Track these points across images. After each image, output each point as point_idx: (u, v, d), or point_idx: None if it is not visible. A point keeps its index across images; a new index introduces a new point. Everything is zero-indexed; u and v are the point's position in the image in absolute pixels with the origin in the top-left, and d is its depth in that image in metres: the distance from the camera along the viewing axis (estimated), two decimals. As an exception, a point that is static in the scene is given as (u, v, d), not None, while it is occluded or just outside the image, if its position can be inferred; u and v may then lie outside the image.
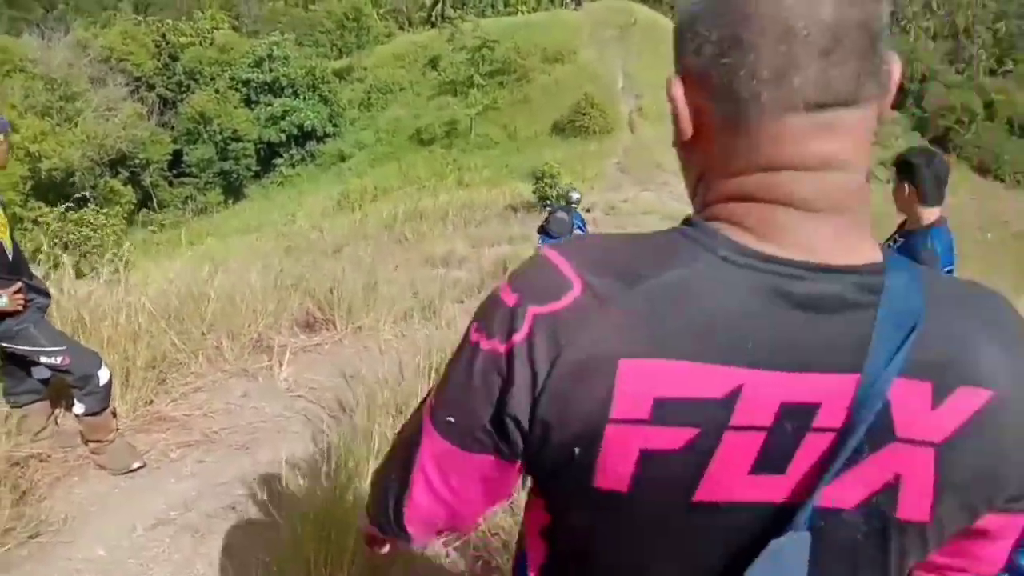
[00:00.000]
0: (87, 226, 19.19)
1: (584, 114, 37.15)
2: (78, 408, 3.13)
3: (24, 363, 3.23)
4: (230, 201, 41.84)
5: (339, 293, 5.51)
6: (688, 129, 0.68)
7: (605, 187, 23.44)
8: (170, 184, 42.61)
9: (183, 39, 48.64)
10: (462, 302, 8.02)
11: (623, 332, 0.62)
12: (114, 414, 3.33)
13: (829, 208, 0.64)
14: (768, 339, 0.61)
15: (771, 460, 0.63)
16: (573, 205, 9.52)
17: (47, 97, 34.81)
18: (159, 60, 47.21)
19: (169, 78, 46.88)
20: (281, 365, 4.45)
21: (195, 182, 42.45)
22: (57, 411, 3.50)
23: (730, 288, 0.62)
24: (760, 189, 0.65)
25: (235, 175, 42.66)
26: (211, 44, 48.49)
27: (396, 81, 48.74)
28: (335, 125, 44.76)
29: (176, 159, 42.57)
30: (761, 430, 0.62)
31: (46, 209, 24.24)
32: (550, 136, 38.26)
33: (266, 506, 2.81)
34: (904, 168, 3.16)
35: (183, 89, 45.93)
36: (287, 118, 42.53)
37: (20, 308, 2.96)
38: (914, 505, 0.63)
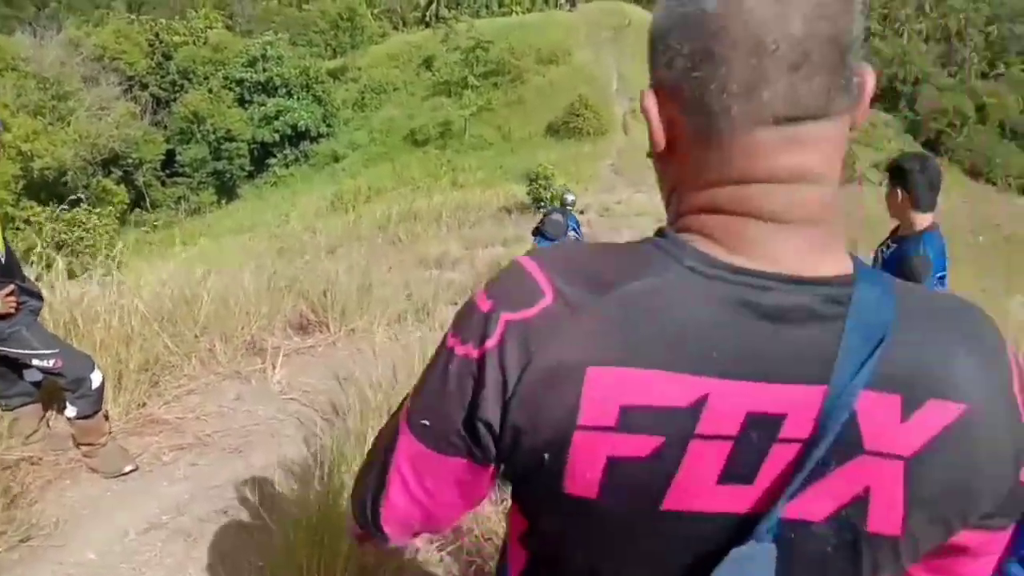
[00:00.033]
0: (79, 226, 19.09)
1: (578, 115, 37.22)
2: (70, 411, 3.11)
3: (16, 366, 3.22)
4: (223, 201, 41.72)
5: (332, 295, 5.50)
6: (661, 141, 0.69)
7: (599, 189, 23.48)
8: (163, 184, 42.48)
9: (176, 38, 48.46)
10: (456, 304, 8.02)
11: (591, 340, 0.63)
12: (106, 417, 3.32)
13: (799, 220, 0.64)
14: (734, 349, 0.61)
15: (738, 470, 0.63)
16: (568, 207, 9.54)
17: (39, 96, 34.64)
18: (152, 59, 47.03)
19: (162, 77, 46.73)
20: (274, 367, 4.44)
21: (188, 182, 42.32)
22: (49, 414, 3.49)
23: (697, 298, 0.63)
24: (731, 201, 0.65)
25: (228, 175, 42.56)
26: (205, 43, 48.35)
27: (390, 81, 48.73)
28: (329, 125, 44.71)
29: (169, 159, 42.43)
30: (727, 439, 0.62)
31: (38, 208, 24.15)
32: (544, 137, 38.31)
33: (259, 510, 2.80)
34: (897, 174, 3.17)
35: (176, 88, 45.80)
36: (281, 118, 42.45)
37: (12, 311, 2.95)
38: (884, 518, 0.63)
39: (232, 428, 3.73)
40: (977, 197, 42.05)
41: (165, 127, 43.56)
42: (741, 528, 0.64)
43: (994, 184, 47.00)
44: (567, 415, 0.62)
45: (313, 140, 44.03)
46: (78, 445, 3.23)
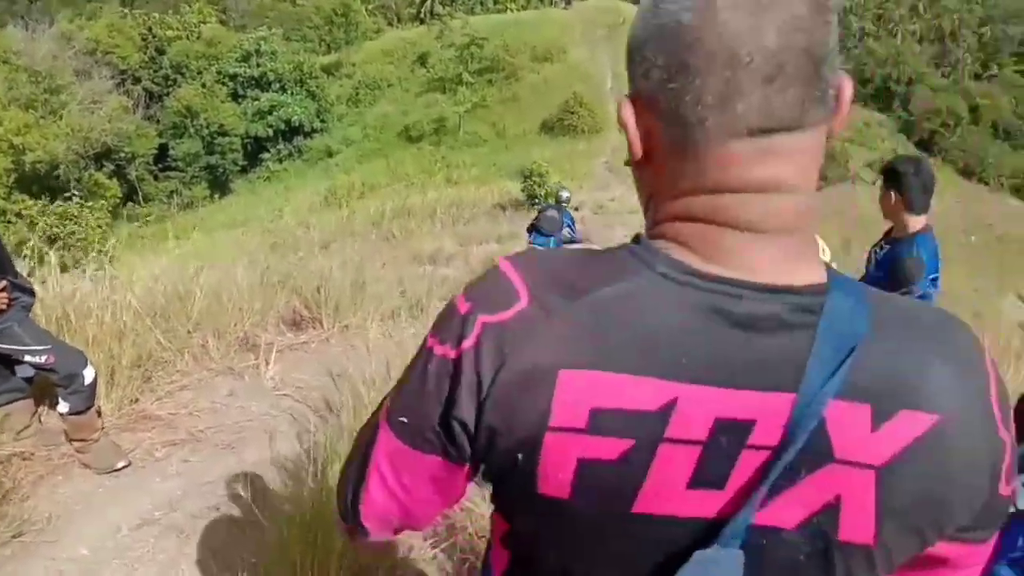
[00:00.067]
0: (72, 220, 19.03)
1: (573, 113, 37.25)
2: (63, 407, 3.10)
3: (8, 361, 3.20)
4: (216, 196, 41.66)
5: (326, 291, 5.50)
6: (638, 150, 0.69)
7: (593, 186, 23.48)
8: (155, 178, 42.37)
9: (170, 32, 48.35)
10: (450, 301, 8.02)
11: (564, 343, 0.63)
12: (99, 413, 3.30)
13: (773, 230, 0.65)
14: (704, 355, 0.62)
15: (708, 475, 0.63)
16: (563, 204, 9.56)
17: (31, 89, 34.49)
18: (145, 53, 46.91)
19: (155, 71, 46.60)
20: (268, 364, 4.43)
21: (181, 176, 42.23)
22: (41, 409, 3.48)
23: (668, 304, 0.63)
24: (705, 210, 0.66)
25: (221, 170, 42.46)
26: (198, 38, 48.25)
27: (384, 77, 48.68)
28: (322, 121, 44.66)
29: (162, 153, 42.32)
30: (696, 444, 0.62)
31: (30, 202, 24.05)
32: (539, 135, 38.33)
33: (252, 507, 2.79)
34: (891, 176, 3.19)
35: (169, 83, 45.68)
36: (274, 113, 42.40)
37: (4, 307, 2.94)
38: (856, 527, 0.63)
39: (225, 424, 3.72)
40: (970, 197, 42.21)
41: (158, 121, 43.45)
42: (712, 533, 0.64)
43: (987, 184, 47.19)
44: (539, 417, 0.63)
45: (307, 135, 43.97)
46: (70, 441, 3.22)
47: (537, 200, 18.32)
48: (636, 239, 0.71)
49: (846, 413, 0.61)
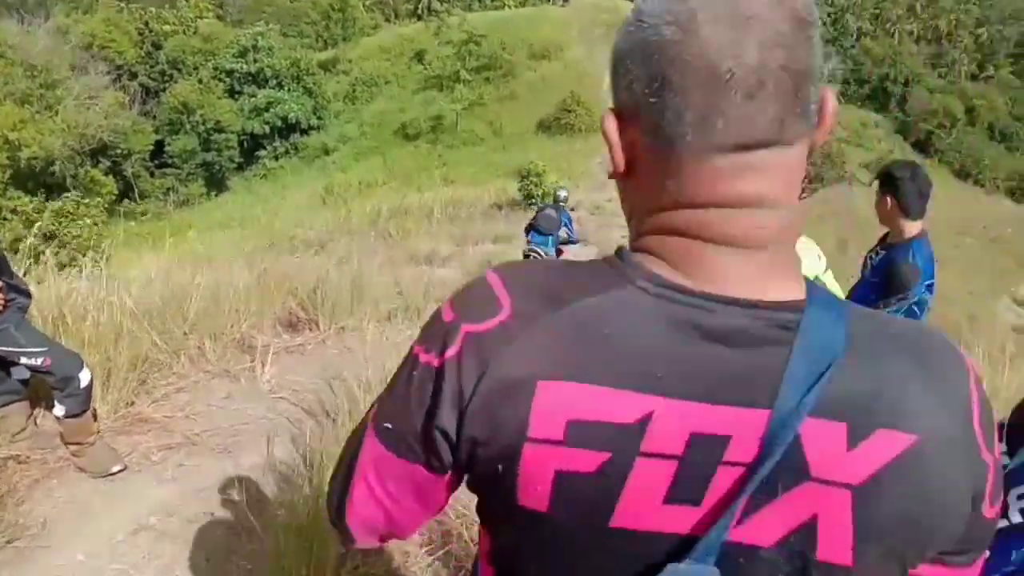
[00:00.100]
0: (67, 216, 18.96)
1: (570, 112, 37.20)
2: (58, 410, 3.09)
3: (3, 363, 3.19)
4: (212, 193, 41.53)
5: (323, 293, 5.49)
6: (621, 163, 0.70)
7: (590, 186, 23.48)
8: (152, 175, 42.19)
9: (167, 27, 48.14)
10: (446, 301, 8.02)
11: (543, 354, 0.64)
12: (95, 416, 3.29)
13: (752, 245, 0.65)
14: (679, 369, 0.62)
15: (685, 491, 0.63)
16: (561, 203, 9.57)
17: (27, 84, 34.29)
18: (142, 48, 46.68)
19: (152, 67, 46.39)
20: (264, 366, 4.43)
21: (177, 173, 42.06)
22: (37, 412, 3.47)
23: (644, 317, 0.64)
24: (685, 224, 0.66)
25: (218, 166, 42.33)
26: (195, 33, 48.05)
27: (381, 74, 48.58)
28: (319, 118, 44.54)
29: (158, 149, 42.14)
30: (672, 459, 0.62)
31: (25, 199, 23.96)
32: (536, 133, 38.29)
33: (247, 514, 2.79)
34: (887, 181, 3.19)
35: (166, 78, 45.47)
36: (271, 110, 42.25)
37: (0, 309, 2.93)
38: (834, 547, 0.63)
39: (221, 427, 3.71)
40: (965, 199, 42.31)
41: (154, 117, 43.27)
42: (688, 549, 0.64)
43: (982, 186, 47.30)
44: (518, 427, 0.64)
45: (303, 132, 43.85)
46: (66, 444, 3.21)
47: (534, 200, 18.34)
48: (618, 252, 0.71)
49: (821, 431, 0.61)
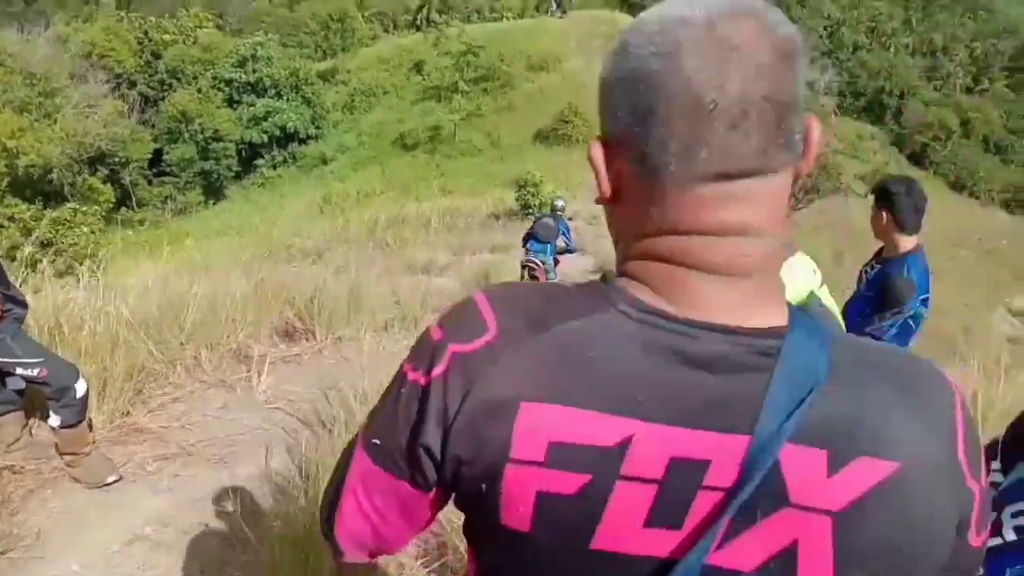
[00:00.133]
0: (65, 224, 18.96)
1: (568, 123, 37.32)
2: (54, 420, 3.09)
3: (-1, 374, 3.19)
4: (210, 201, 41.56)
5: (320, 302, 5.49)
6: (607, 190, 0.71)
7: (588, 197, 23.44)
8: (150, 183, 42.23)
9: (166, 37, 48.27)
10: (443, 311, 8.02)
11: (527, 376, 0.65)
12: (90, 426, 3.29)
13: (736, 273, 0.66)
14: (659, 394, 0.63)
15: (665, 514, 0.63)
16: (559, 212, 9.60)
17: (26, 92, 34.32)
18: (141, 57, 46.80)
19: (151, 76, 46.48)
20: (260, 376, 4.43)
21: (175, 181, 42.11)
22: (32, 422, 3.46)
23: (626, 342, 0.64)
24: (669, 251, 0.67)
25: (216, 175, 42.38)
26: (194, 43, 48.15)
27: (380, 84, 48.73)
28: (318, 127, 44.64)
29: (156, 158, 42.19)
30: (652, 483, 0.62)
31: (23, 206, 23.95)
32: (533, 144, 38.39)
33: (243, 525, 2.78)
34: (883, 196, 3.21)
35: (165, 87, 45.56)
36: (269, 119, 42.35)
37: (-3, 319, 2.93)
38: (814, 573, 0.63)
39: (217, 438, 3.71)
40: (960, 211, 42.46)
41: (153, 126, 43.32)
42: (669, 573, 0.64)
43: (978, 198, 47.53)
44: (501, 447, 0.64)
45: (302, 142, 43.95)
46: (61, 454, 3.20)
47: (531, 210, 18.37)
48: (604, 277, 0.72)
49: (801, 457, 0.61)
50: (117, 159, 38.34)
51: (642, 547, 0.64)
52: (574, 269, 11.27)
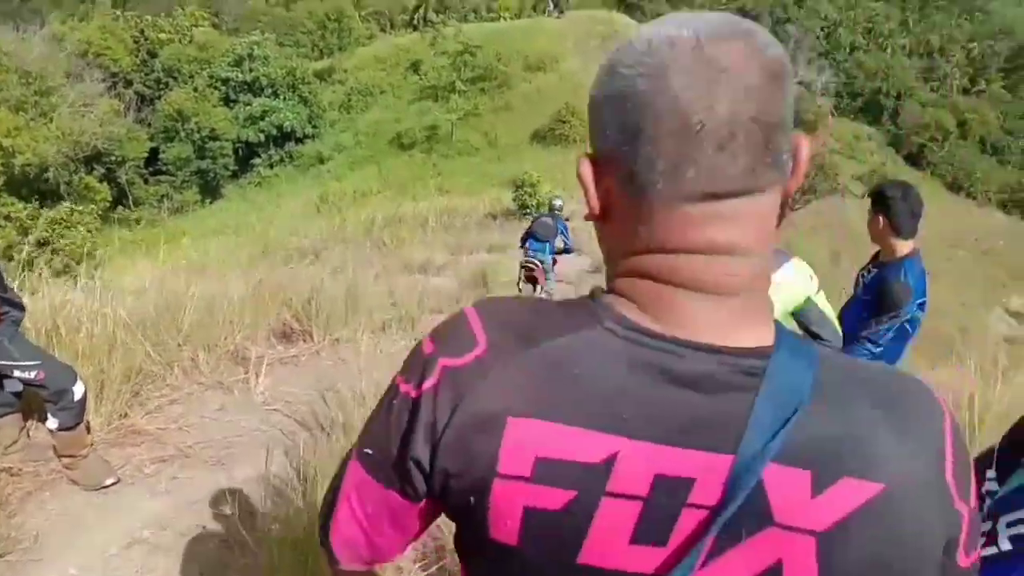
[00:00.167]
0: (61, 223, 18.92)
1: (565, 123, 37.37)
2: (52, 423, 3.09)
3: (-3, 376, 3.19)
4: (207, 200, 41.49)
5: (317, 303, 5.49)
6: (596, 207, 0.71)
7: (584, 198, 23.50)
8: (146, 182, 42.15)
9: (162, 35, 48.19)
10: (440, 312, 8.03)
11: (515, 391, 0.65)
12: (88, 428, 3.29)
13: (723, 292, 0.66)
14: (645, 411, 0.63)
15: (651, 531, 0.64)
16: (556, 211, 9.61)
17: (22, 91, 34.18)
18: (137, 56, 46.72)
19: (147, 75, 46.41)
20: (258, 377, 4.43)
21: (172, 180, 42.04)
22: (29, 424, 3.46)
23: (612, 359, 0.65)
24: (656, 269, 0.67)
25: (212, 174, 42.33)
26: (191, 42, 48.08)
27: (377, 84, 48.71)
28: (314, 126, 44.61)
29: (153, 157, 42.11)
30: (637, 499, 0.63)
31: (19, 205, 23.87)
32: (530, 144, 38.42)
33: (241, 528, 2.78)
34: (879, 200, 3.21)
35: (161, 86, 45.49)
36: (266, 118, 42.31)
37: (-6, 322, 2.93)
38: None
39: (215, 440, 3.71)
40: (957, 211, 42.56)
41: (149, 125, 43.22)
42: None
43: (974, 199, 47.67)
44: (489, 462, 0.65)
45: (298, 141, 43.91)
46: (59, 457, 3.20)
47: (528, 210, 18.38)
48: (592, 293, 0.73)
49: (785, 478, 0.62)
50: (113, 158, 38.23)
51: (628, 563, 0.65)
52: (571, 270, 11.29)
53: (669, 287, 0.67)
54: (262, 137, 42.49)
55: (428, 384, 0.69)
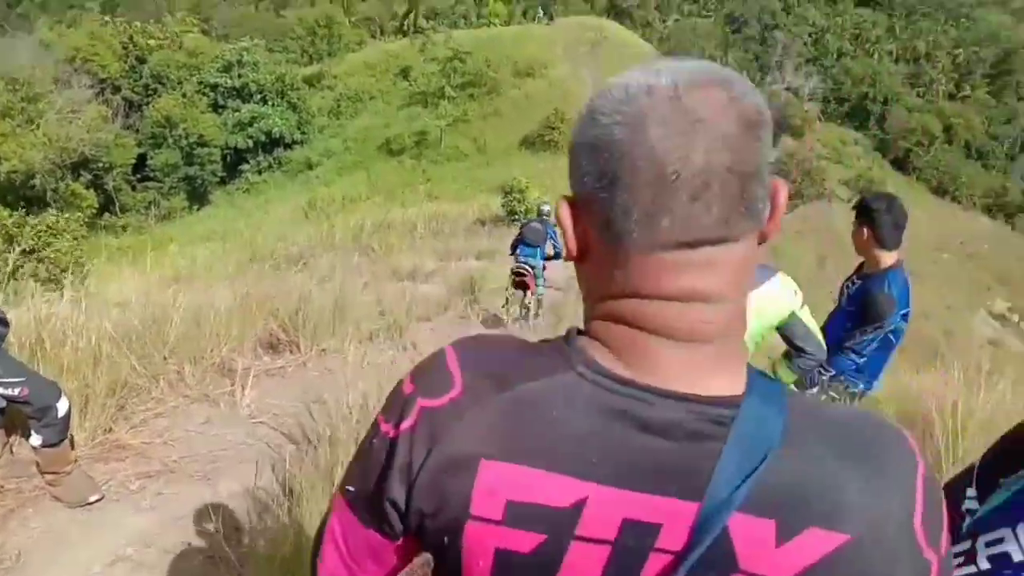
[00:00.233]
0: (48, 231, 18.76)
1: (554, 129, 37.41)
2: (35, 439, 3.06)
3: (-21, 392, 3.15)
4: (195, 207, 41.28)
5: (304, 314, 5.47)
6: (574, 249, 0.72)
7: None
8: (133, 188, 41.85)
9: (151, 42, 47.88)
10: (428, 321, 8.02)
11: (488, 434, 0.66)
12: (72, 444, 3.26)
13: (696, 339, 0.66)
14: (613, 457, 0.64)
15: (619, 575, 0.65)
16: (545, 216, 9.63)
17: (8, 98, 33.95)
18: (126, 62, 46.39)
19: (136, 81, 46.11)
20: (244, 389, 4.41)
21: (159, 187, 41.76)
22: (12, 440, 3.42)
23: (582, 404, 0.66)
24: (631, 314, 0.68)
25: (200, 181, 42.10)
26: (180, 48, 47.84)
27: (366, 90, 48.65)
28: (303, 132, 44.45)
29: (140, 163, 41.84)
30: (605, 544, 0.64)
31: (5, 212, 23.66)
32: (519, 150, 38.46)
33: (227, 544, 2.77)
34: (863, 212, 3.24)
35: (150, 92, 45.19)
36: (255, 124, 42.12)
37: (-23, 339, 2.90)
38: None
39: (200, 454, 3.69)
40: (942, 215, 42.86)
41: (137, 131, 42.95)
42: None
43: (959, 203, 48.02)
44: (462, 504, 0.66)
45: (287, 147, 43.74)
46: (42, 473, 3.17)
47: (517, 216, 18.39)
48: (568, 335, 0.73)
49: (750, 527, 0.62)
50: (100, 164, 37.97)
51: None
52: (560, 276, 11.29)
53: (643, 333, 0.67)
54: (251, 143, 42.30)
55: (406, 425, 0.70)
